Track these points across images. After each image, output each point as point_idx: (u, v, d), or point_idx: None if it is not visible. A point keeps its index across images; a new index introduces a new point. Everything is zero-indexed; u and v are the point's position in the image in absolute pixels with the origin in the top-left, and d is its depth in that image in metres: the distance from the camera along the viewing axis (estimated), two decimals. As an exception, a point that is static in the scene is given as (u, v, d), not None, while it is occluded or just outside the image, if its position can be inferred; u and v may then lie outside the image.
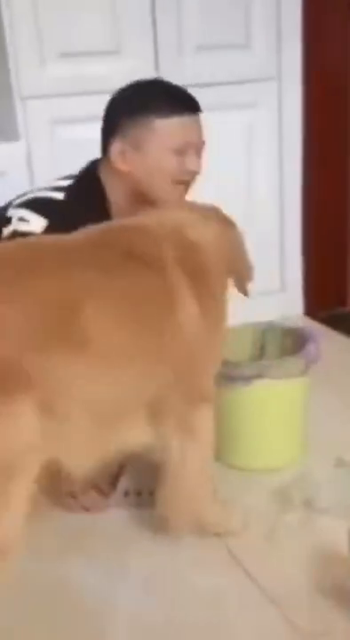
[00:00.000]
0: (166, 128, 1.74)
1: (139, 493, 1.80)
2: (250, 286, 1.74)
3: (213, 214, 1.64)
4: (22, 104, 2.39)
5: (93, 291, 1.27)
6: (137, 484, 1.80)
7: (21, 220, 1.74)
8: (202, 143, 1.82)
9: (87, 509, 1.76)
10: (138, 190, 1.79)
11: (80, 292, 1.25)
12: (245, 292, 1.74)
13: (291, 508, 1.69)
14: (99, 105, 2.43)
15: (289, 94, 2.80)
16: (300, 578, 1.51)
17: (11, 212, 1.77)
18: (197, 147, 1.80)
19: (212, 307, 1.48)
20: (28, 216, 1.74)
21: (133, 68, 2.48)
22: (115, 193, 1.81)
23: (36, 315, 1.19)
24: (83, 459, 1.32)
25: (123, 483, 1.81)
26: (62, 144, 2.44)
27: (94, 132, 2.36)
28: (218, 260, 1.54)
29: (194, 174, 1.82)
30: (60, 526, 1.69)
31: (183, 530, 1.58)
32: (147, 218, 1.55)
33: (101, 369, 1.26)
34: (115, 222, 1.58)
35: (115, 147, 1.77)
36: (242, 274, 1.70)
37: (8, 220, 1.76)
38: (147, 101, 1.75)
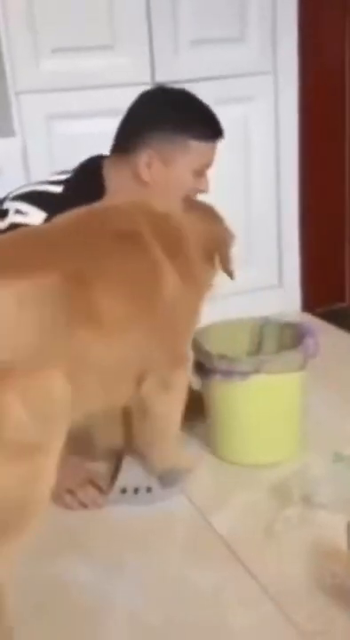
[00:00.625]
0: (199, 150, 1.81)
1: (136, 490, 1.79)
2: (235, 268, 1.82)
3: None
4: (17, 99, 2.37)
5: (100, 272, 1.40)
6: (134, 480, 1.80)
7: (18, 212, 1.74)
8: (213, 164, 1.88)
9: (85, 505, 1.76)
10: (144, 197, 1.77)
11: (91, 274, 1.38)
12: (230, 274, 1.80)
13: (290, 504, 1.69)
14: (95, 100, 2.44)
15: (285, 88, 2.79)
16: (299, 573, 1.50)
17: (8, 205, 1.77)
18: (210, 166, 1.87)
19: (190, 272, 1.60)
20: (26, 208, 1.74)
21: (128, 63, 2.48)
22: (119, 193, 1.80)
23: (63, 287, 1.31)
24: (84, 416, 1.44)
25: (121, 479, 1.80)
26: (58, 139, 2.43)
27: (90, 127, 2.38)
28: (190, 227, 1.65)
29: (202, 194, 1.87)
30: (57, 523, 1.68)
31: (155, 464, 1.79)
32: (114, 201, 1.67)
33: (109, 340, 1.40)
34: (88, 208, 1.59)
35: (144, 157, 1.78)
36: (223, 259, 1.78)
37: (4, 213, 1.76)
38: (189, 122, 1.79)
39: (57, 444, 1.31)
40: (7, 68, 2.34)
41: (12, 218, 1.73)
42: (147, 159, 1.78)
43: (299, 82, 2.79)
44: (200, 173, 1.84)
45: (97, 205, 1.63)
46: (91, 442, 1.86)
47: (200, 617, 1.42)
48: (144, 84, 2.44)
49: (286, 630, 1.36)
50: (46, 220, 1.69)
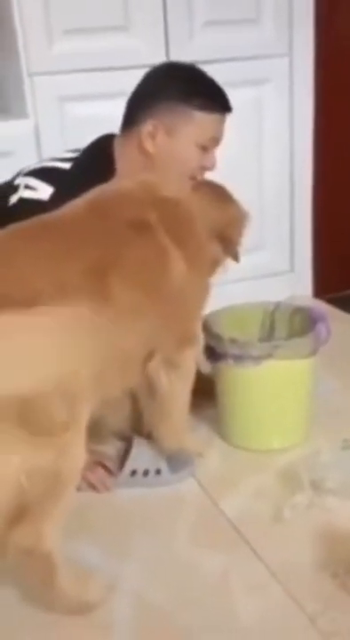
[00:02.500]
0: (203, 122, 1.79)
1: (145, 473, 1.80)
2: (240, 250, 1.84)
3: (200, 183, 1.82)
4: (30, 80, 2.36)
5: (114, 261, 1.45)
6: (144, 463, 1.81)
7: (28, 187, 1.77)
8: (221, 140, 1.87)
9: (94, 487, 1.77)
10: (151, 172, 1.78)
11: (107, 263, 1.43)
12: (235, 257, 1.82)
13: (299, 489, 1.69)
14: (108, 82, 2.42)
15: (300, 71, 2.75)
16: (307, 558, 1.51)
17: (19, 181, 1.81)
18: (218, 143, 1.86)
19: (196, 255, 1.63)
20: (35, 184, 1.77)
21: (143, 44, 2.46)
22: (126, 168, 1.81)
23: (83, 276, 1.38)
24: (101, 401, 1.47)
25: (130, 462, 1.81)
26: (71, 121, 2.41)
27: (103, 108, 2.36)
28: (197, 212, 1.67)
29: (207, 171, 1.86)
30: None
31: (162, 445, 1.80)
32: (123, 184, 1.67)
33: (123, 328, 1.45)
34: (99, 191, 1.60)
35: (148, 126, 1.78)
36: (231, 245, 1.79)
37: (15, 189, 1.79)
38: (193, 93, 1.78)
39: (83, 421, 1.35)
40: (20, 49, 2.32)
41: (22, 193, 1.77)
42: (150, 129, 1.78)
43: (315, 64, 2.76)
44: (206, 149, 1.83)
45: (106, 189, 1.63)
46: (100, 424, 1.87)
47: (207, 599, 1.43)
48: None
49: (294, 614, 1.37)
50: (53, 195, 1.72)
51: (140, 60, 2.39)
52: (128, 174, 1.79)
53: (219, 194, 1.80)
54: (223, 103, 1.83)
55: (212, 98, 1.81)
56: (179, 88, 1.79)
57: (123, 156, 1.83)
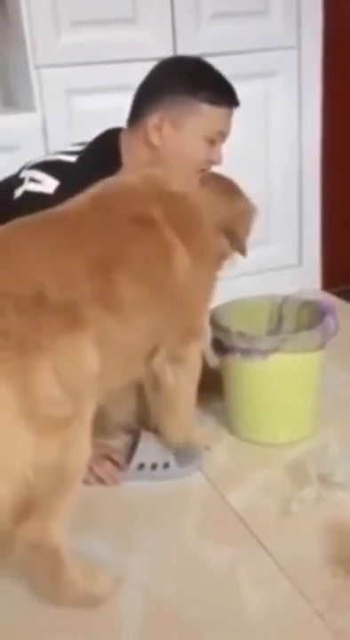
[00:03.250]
0: (210, 115, 1.79)
1: (153, 466, 1.80)
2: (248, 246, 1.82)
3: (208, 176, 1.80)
4: (37, 73, 2.35)
5: (119, 257, 1.45)
6: (151, 456, 1.80)
7: (33, 180, 1.77)
8: (228, 135, 1.86)
9: (102, 481, 1.77)
10: (157, 165, 1.77)
11: (111, 259, 1.43)
12: (243, 252, 1.81)
13: (307, 483, 1.68)
14: (116, 74, 2.41)
15: (308, 63, 2.74)
16: (315, 552, 1.50)
17: (24, 174, 1.81)
18: (224, 137, 1.85)
19: (201, 251, 1.62)
20: (40, 177, 1.77)
21: (150, 37, 2.45)
22: (132, 162, 1.80)
23: (88, 272, 1.38)
24: (105, 396, 1.48)
25: (138, 455, 1.81)
26: (78, 114, 2.40)
27: (111, 101, 2.35)
28: (204, 207, 1.66)
29: (213, 165, 1.85)
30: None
31: (169, 438, 1.80)
32: (127, 178, 1.66)
33: (128, 324, 1.45)
34: (103, 186, 1.59)
35: (154, 119, 1.78)
36: (238, 239, 1.78)
37: (21, 182, 1.79)
38: (200, 86, 1.77)
39: (88, 416, 1.36)
40: (27, 41, 2.32)
41: (27, 186, 1.77)
42: (156, 121, 1.77)
43: (323, 57, 2.74)
44: (212, 142, 1.82)
45: (111, 183, 1.62)
46: (106, 418, 1.87)
47: (214, 593, 1.43)
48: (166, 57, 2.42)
49: (301, 609, 1.37)
50: (58, 188, 1.72)
51: (148, 52, 2.39)
52: (134, 168, 1.78)
53: (227, 188, 1.79)
54: (230, 97, 1.82)
55: (219, 91, 1.80)
56: (186, 81, 1.78)
57: (130, 150, 1.83)
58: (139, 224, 1.51)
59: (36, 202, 1.69)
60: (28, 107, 2.41)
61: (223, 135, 1.85)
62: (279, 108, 2.76)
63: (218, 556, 1.52)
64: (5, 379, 1.22)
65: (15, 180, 1.81)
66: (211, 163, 1.85)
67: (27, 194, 1.76)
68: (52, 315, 1.28)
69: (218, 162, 1.85)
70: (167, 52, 2.46)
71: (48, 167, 1.79)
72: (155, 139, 1.79)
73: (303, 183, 2.91)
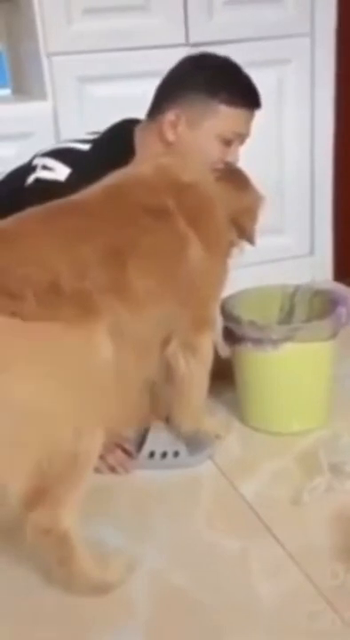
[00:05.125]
0: (228, 115, 1.76)
1: (164, 455, 1.80)
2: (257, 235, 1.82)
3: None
4: (48, 61, 2.35)
5: (133, 248, 1.45)
6: (162, 445, 1.80)
7: (45, 167, 1.76)
8: (247, 137, 1.83)
9: (113, 469, 1.77)
10: (169, 155, 1.76)
11: (125, 250, 1.43)
12: (251, 241, 1.80)
13: (319, 472, 1.68)
14: (128, 62, 2.40)
15: (322, 51, 2.71)
16: (326, 542, 1.50)
17: (36, 161, 1.80)
18: (243, 139, 1.82)
19: (214, 241, 1.62)
20: (52, 164, 1.76)
21: (162, 24, 2.43)
22: (145, 156, 1.79)
23: (101, 261, 1.38)
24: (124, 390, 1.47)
25: (149, 444, 1.81)
26: (89, 102, 2.40)
27: (122, 90, 2.35)
28: (215, 195, 1.65)
29: (227, 165, 1.81)
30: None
31: (180, 428, 1.79)
32: (140, 169, 1.65)
33: (141, 315, 1.45)
34: (116, 177, 1.59)
35: (170, 115, 1.76)
36: (246, 229, 1.78)
37: (33, 169, 1.78)
38: (220, 86, 1.74)
39: (105, 394, 1.36)
40: (39, 29, 2.31)
41: (39, 173, 1.76)
42: (173, 118, 1.75)
43: (337, 44, 2.72)
44: (228, 143, 1.79)
45: (123, 174, 1.62)
46: None
47: (226, 582, 1.43)
48: (178, 45, 2.41)
49: (311, 597, 1.36)
50: (70, 176, 1.72)
51: (160, 39, 2.39)
52: (146, 161, 1.77)
53: (235, 179, 1.77)
54: (251, 99, 1.79)
55: (240, 93, 1.76)
56: (207, 79, 1.75)
57: (144, 144, 1.81)
58: (152, 214, 1.51)
59: (48, 189, 1.68)
60: (40, 95, 2.40)
61: (241, 137, 1.81)
62: (292, 96, 2.74)
63: (228, 545, 1.52)
64: None
65: (27, 168, 1.81)
66: (226, 163, 1.80)
67: (38, 181, 1.75)
68: (68, 302, 1.29)
69: (233, 163, 1.82)
70: (179, 40, 2.45)
71: (60, 155, 1.79)
72: (169, 135, 1.77)
73: (315, 172, 2.89)
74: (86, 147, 1.82)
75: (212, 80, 1.75)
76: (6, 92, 2.68)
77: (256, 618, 1.33)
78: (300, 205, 2.92)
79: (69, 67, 2.37)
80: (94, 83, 2.40)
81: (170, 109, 1.76)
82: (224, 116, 1.75)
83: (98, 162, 1.70)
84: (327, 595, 1.36)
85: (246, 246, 1.82)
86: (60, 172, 1.74)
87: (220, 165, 1.78)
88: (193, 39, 2.46)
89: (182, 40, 2.45)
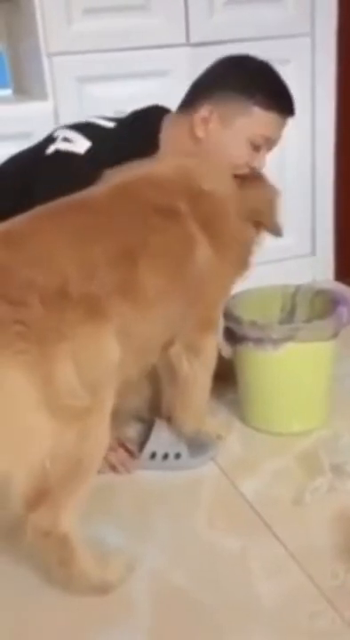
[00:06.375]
0: (260, 119, 1.74)
1: (165, 456, 1.79)
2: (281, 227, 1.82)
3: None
4: (49, 61, 2.34)
5: (144, 247, 1.45)
6: (163, 446, 1.80)
7: (65, 139, 1.74)
8: (276, 144, 1.81)
9: (115, 468, 1.77)
10: (192, 156, 1.74)
11: (136, 249, 1.43)
12: (278, 233, 1.80)
13: (320, 472, 1.68)
14: (128, 62, 2.40)
15: (322, 51, 2.71)
16: (327, 541, 1.50)
17: (58, 132, 1.79)
18: (271, 146, 1.80)
19: (225, 245, 1.62)
20: (73, 136, 1.74)
21: (163, 24, 2.43)
22: (171, 148, 1.77)
23: (110, 261, 1.38)
24: (122, 385, 1.46)
25: (150, 445, 1.81)
26: (90, 102, 2.39)
27: (123, 89, 2.34)
28: (231, 204, 1.65)
29: (252, 171, 1.80)
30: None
31: (182, 429, 1.80)
32: (159, 167, 1.63)
33: (149, 315, 1.46)
34: (129, 172, 1.58)
35: (204, 111, 1.73)
36: (266, 225, 1.77)
37: (53, 140, 1.76)
38: (256, 87, 1.72)
39: (107, 406, 1.37)
40: (39, 29, 2.31)
41: (58, 144, 1.74)
42: (206, 113, 1.73)
43: (337, 44, 2.71)
44: (257, 148, 1.76)
45: (140, 169, 1.60)
46: (119, 408, 1.87)
47: (227, 581, 1.43)
48: (178, 45, 2.41)
49: (312, 597, 1.36)
50: (89, 150, 1.70)
51: (160, 39, 2.38)
52: (171, 154, 1.76)
53: (250, 176, 1.76)
54: (285, 105, 1.77)
55: (276, 97, 1.74)
56: (245, 80, 1.73)
57: (171, 136, 1.78)
58: (161, 214, 1.50)
59: (65, 161, 1.68)
60: (40, 95, 2.40)
61: (270, 143, 1.79)
62: (293, 95, 2.72)
63: (230, 545, 1.52)
64: (26, 368, 1.22)
65: (48, 139, 1.79)
66: (252, 169, 1.78)
67: (57, 152, 1.72)
68: (75, 306, 1.29)
69: (258, 169, 1.80)
70: (179, 40, 2.45)
71: (83, 128, 1.76)
72: (200, 131, 1.74)
73: (316, 172, 2.89)
74: (111, 124, 1.80)
75: (250, 81, 1.73)
76: (7, 92, 2.68)
77: (256, 617, 1.33)
78: (301, 205, 2.91)
79: (70, 67, 2.37)
80: (94, 83, 2.40)
81: (203, 105, 1.73)
82: (257, 118, 1.73)
83: (119, 141, 1.69)
84: (327, 594, 1.36)
85: (263, 242, 1.81)
86: (80, 144, 1.71)
87: (246, 170, 1.77)
88: (193, 39, 2.45)
89: (182, 40, 2.45)
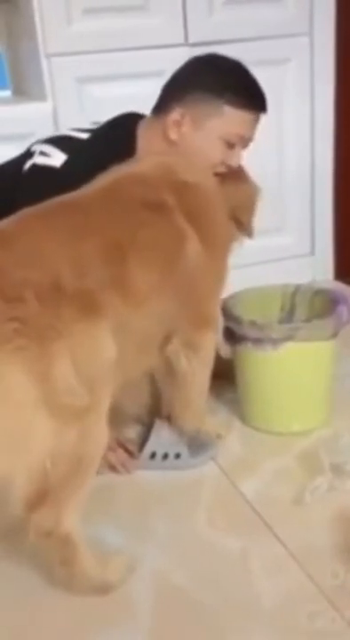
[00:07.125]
0: (232, 118, 1.74)
1: (165, 456, 1.79)
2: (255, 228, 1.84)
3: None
4: (48, 61, 2.35)
5: (133, 243, 1.45)
6: (163, 446, 1.80)
7: (42, 153, 1.76)
8: (251, 141, 1.81)
9: (114, 468, 1.77)
10: (173, 158, 1.74)
11: (126, 245, 1.44)
12: (250, 234, 1.83)
13: (320, 472, 1.67)
14: (127, 62, 2.40)
15: (321, 50, 2.71)
16: (327, 541, 1.50)
17: (35, 147, 1.81)
18: (246, 143, 1.81)
19: (213, 239, 1.63)
20: (50, 150, 1.76)
21: (161, 24, 2.43)
22: (146, 152, 1.77)
23: (102, 257, 1.39)
24: (121, 383, 1.48)
25: (150, 445, 1.81)
26: (89, 103, 2.40)
27: (122, 89, 2.35)
28: (216, 196, 1.67)
29: (230, 169, 1.81)
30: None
31: (181, 427, 1.80)
32: (140, 166, 1.65)
33: (142, 310, 1.45)
34: (116, 173, 1.59)
35: (175, 114, 1.74)
36: (244, 222, 1.80)
37: (31, 155, 1.79)
38: (226, 86, 1.73)
39: (105, 405, 1.37)
40: (38, 29, 2.31)
41: (36, 159, 1.76)
42: (177, 117, 1.74)
43: (336, 43, 2.72)
44: (231, 146, 1.77)
45: (123, 169, 1.62)
46: (118, 408, 1.88)
47: (227, 581, 1.43)
48: (177, 45, 2.41)
49: (312, 596, 1.36)
50: (66, 162, 1.72)
51: (159, 39, 2.39)
52: (148, 158, 1.76)
53: (232, 172, 1.78)
54: (256, 102, 1.77)
55: (246, 95, 1.75)
56: (214, 80, 1.74)
57: (146, 140, 1.80)
58: (150, 208, 1.52)
59: (43, 174, 1.70)
60: (40, 96, 2.41)
61: (244, 140, 1.79)
62: (291, 96, 2.73)
63: (230, 544, 1.52)
64: (26, 365, 1.23)
65: (26, 154, 1.81)
66: (228, 167, 1.79)
67: (35, 167, 1.75)
68: (70, 301, 1.29)
69: (235, 166, 1.80)
70: (178, 40, 2.45)
71: (58, 141, 1.79)
72: (173, 134, 1.76)
73: (315, 171, 2.89)
74: (85, 135, 1.82)
75: (219, 80, 1.74)
76: (6, 93, 2.69)
77: (256, 617, 1.33)
78: (301, 205, 2.91)
79: (69, 67, 2.37)
80: (94, 83, 2.41)
81: (175, 108, 1.75)
82: (228, 117, 1.73)
83: (95, 150, 1.71)
84: (327, 594, 1.36)
85: (247, 243, 1.82)
86: (57, 158, 1.74)
87: (222, 169, 1.78)
88: (192, 39, 2.46)
89: (181, 40, 2.45)
